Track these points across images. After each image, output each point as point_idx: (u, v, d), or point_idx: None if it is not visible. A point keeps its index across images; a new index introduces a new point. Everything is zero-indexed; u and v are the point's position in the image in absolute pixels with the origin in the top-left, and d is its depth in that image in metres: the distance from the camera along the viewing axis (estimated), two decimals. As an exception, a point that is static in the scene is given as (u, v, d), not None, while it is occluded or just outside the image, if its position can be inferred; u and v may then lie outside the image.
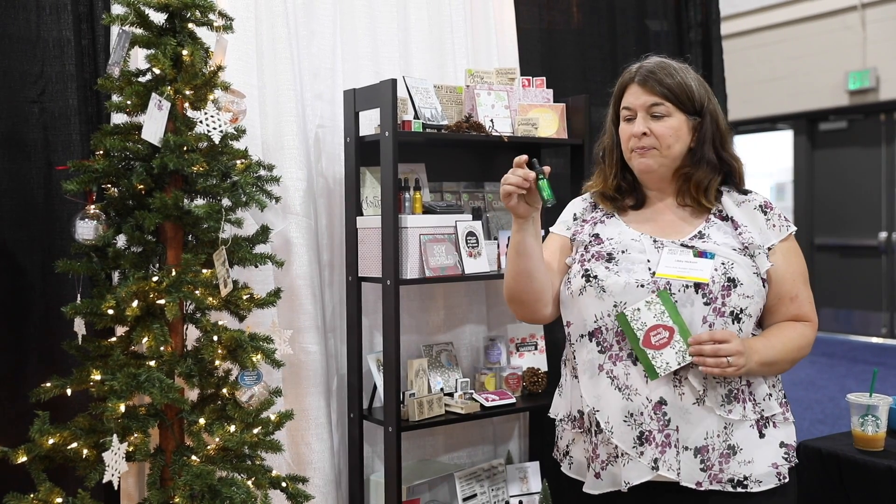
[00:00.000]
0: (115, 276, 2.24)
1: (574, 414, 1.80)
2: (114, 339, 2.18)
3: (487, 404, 2.83)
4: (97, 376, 2.09)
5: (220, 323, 2.24)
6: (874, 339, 8.56)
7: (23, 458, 2.04)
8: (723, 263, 1.68)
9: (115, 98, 2.19)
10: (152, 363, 2.05)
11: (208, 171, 2.16)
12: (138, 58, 2.32)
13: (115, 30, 2.19)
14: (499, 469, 3.05)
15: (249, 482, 2.18)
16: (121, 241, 2.18)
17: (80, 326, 2.16)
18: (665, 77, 1.74)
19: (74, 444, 2.06)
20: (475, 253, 2.78)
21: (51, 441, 2.04)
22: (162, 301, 2.05)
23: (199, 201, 2.19)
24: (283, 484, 2.27)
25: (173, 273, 2.08)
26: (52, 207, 2.48)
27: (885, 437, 2.29)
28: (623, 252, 1.74)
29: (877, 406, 2.27)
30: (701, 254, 1.69)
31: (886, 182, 8.43)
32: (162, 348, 2.06)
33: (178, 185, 2.17)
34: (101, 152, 2.12)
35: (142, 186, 2.11)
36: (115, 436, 1.98)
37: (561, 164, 3.34)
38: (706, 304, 1.66)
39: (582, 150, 3.02)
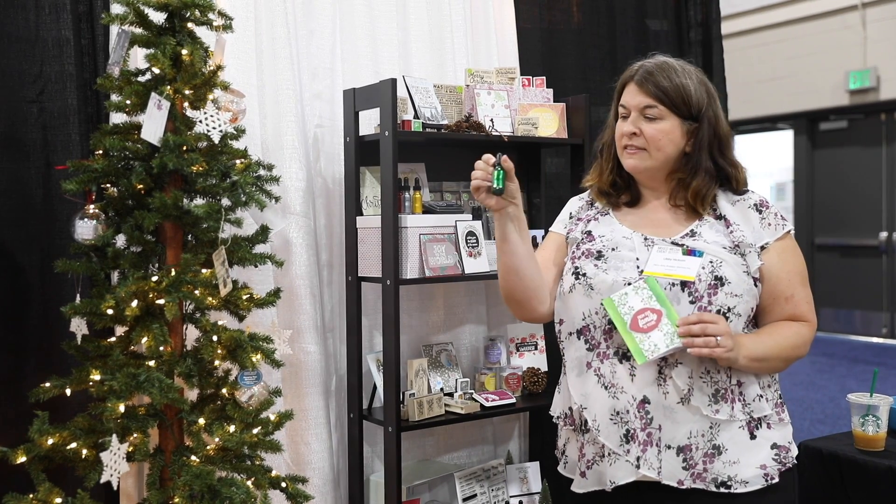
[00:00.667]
0: (115, 275, 2.24)
1: (566, 411, 1.82)
2: (113, 339, 2.18)
3: (487, 404, 2.82)
4: (96, 376, 2.09)
5: (219, 323, 2.24)
6: (874, 339, 8.56)
7: (22, 459, 2.04)
8: (711, 262, 1.67)
9: (115, 97, 2.19)
10: (152, 363, 2.05)
11: (208, 171, 2.15)
12: (138, 57, 2.32)
13: (114, 29, 2.18)
14: (499, 469, 3.05)
15: (249, 482, 2.18)
16: (120, 240, 2.18)
17: (78, 326, 2.16)
18: (662, 79, 1.73)
19: (74, 445, 2.05)
20: (475, 253, 2.77)
21: (50, 441, 2.03)
22: (161, 301, 2.05)
23: (199, 201, 2.18)
24: (283, 484, 2.26)
25: (173, 273, 2.08)
26: (52, 207, 2.48)
27: (886, 437, 2.28)
28: (613, 250, 1.75)
29: (877, 406, 2.27)
30: (690, 252, 1.69)
31: (887, 182, 8.43)
32: (161, 348, 2.05)
33: (177, 184, 2.16)
34: (101, 152, 2.12)
35: (141, 186, 2.11)
36: (114, 436, 1.98)
37: (561, 164, 3.34)
38: (692, 302, 1.65)
39: (582, 150, 3.02)
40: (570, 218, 1.90)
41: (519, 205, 1.75)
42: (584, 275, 1.74)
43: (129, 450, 2.03)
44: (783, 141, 9.37)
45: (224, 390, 2.20)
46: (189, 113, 2.19)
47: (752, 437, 1.67)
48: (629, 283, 1.68)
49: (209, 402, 2.23)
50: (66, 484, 2.17)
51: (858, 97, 8.31)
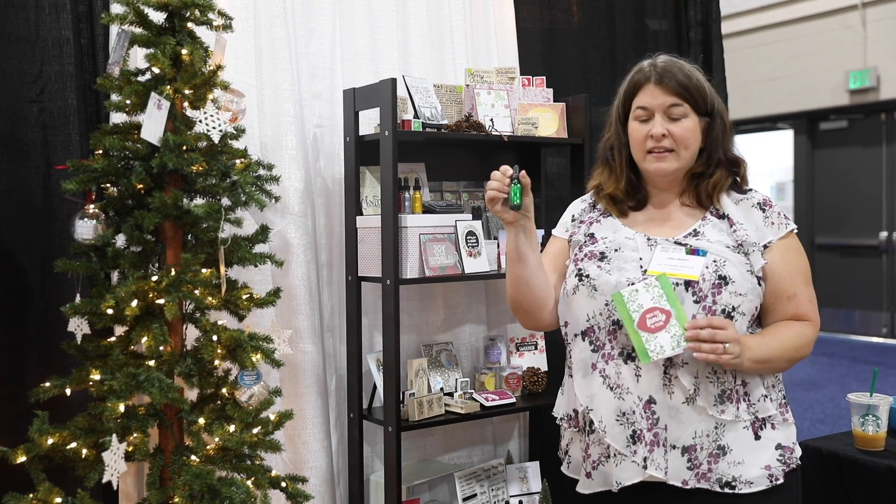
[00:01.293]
0: (115, 275, 2.24)
1: (570, 413, 1.81)
2: (113, 338, 2.18)
3: (487, 404, 2.82)
4: (96, 376, 2.09)
5: (219, 323, 2.24)
6: (875, 339, 8.56)
7: (22, 458, 2.04)
8: (714, 261, 1.67)
9: (115, 97, 2.19)
10: (152, 363, 2.05)
11: (208, 171, 2.15)
12: (137, 57, 2.32)
13: (114, 29, 2.18)
14: (499, 469, 3.05)
15: (249, 482, 2.18)
16: (120, 240, 2.18)
17: (78, 326, 2.15)
18: (682, 77, 1.72)
19: (74, 444, 2.05)
20: (475, 252, 2.77)
21: (50, 441, 2.03)
22: (161, 301, 2.05)
23: (199, 201, 2.18)
24: (283, 484, 2.26)
25: (173, 273, 2.08)
26: (51, 207, 2.48)
27: (886, 436, 2.29)
28: (616, 251, 1.75)
29: (877, 406, 2.27)
30: (693, 251, 1.68)
31: (887, 181, 8.43)
32: (161, 348, 2.05)
33: (177, 184, 2.16)
34: (101, 152, 2.12)
35: (141, 186, 2.11)
36: (114, 436, 1.98)
37: (561, 164, 3.34)
38: (696, 301, 1.65)
39: (582, 150, 3.02)
40: (573, 220, 1.90)
41: (532, 218, 1.75)
42: (587, 276, 1.73)
43: (129, 449, 2.03)
44: (783, 141, 9.38)
45: (224, 390, 2.20)
46: (189, 113, 2.19)
47: (757, 437, 1.67)
48: (632, 284, 1.67)
49: (209, 401, 2.23)
50: (66, 484, 2.17)
51: (858, 97, 8.31)
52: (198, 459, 2.10)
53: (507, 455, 3.17)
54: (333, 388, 2.89)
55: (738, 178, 1.79)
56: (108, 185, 2.16)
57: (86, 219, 2.10)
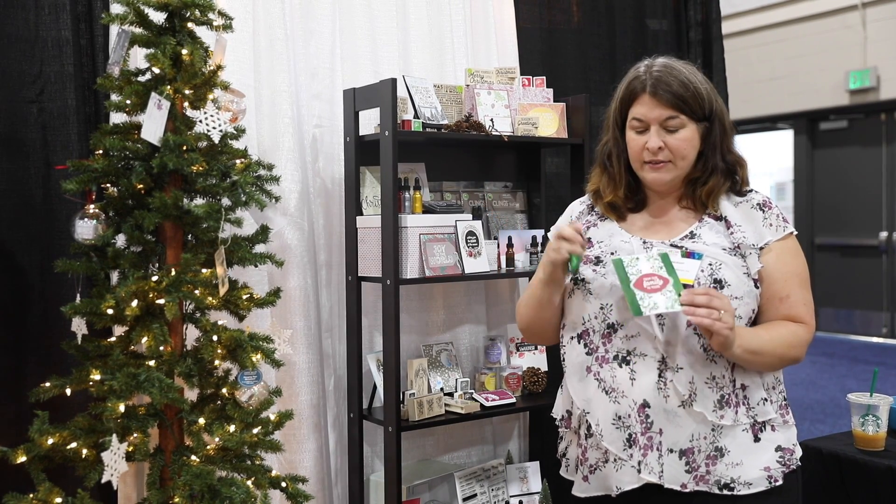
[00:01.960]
0: (115, 275, 2.24)
1: (564, 413, 1.82)
2: (113, 338, 2.18)
3: (487, 404, 2.82)
4: (96, 376, 2.09)
5: (219, 323, 2.24)
6: (875, 339, 8.57)
7: (22, 458, 2.03)
8: (710, 264, 1.66)
9: (115, 97, 2.19)
10: (152, 363, 2.05)
11: (208, 171, 2.15)
12: (138, 57, 2.32)
13: (114, 29, 2.18)
14: (499, 469, 3.05)
15: (249, 482, 2.18)
16: (120, 240, 2.18)
17: (78, 326, 2.15)
18: (677, 87, 1.68)
19: (74, 444, 2.05)
20: (475, 253, 2.77)
21: (50, 441, 2.03)
22: (161, 301, 2.05)
23: (199, 201, 2.18)
24: (283, 484, 2.26)
25: (173, 273, 2.08)
26: (51, 207, 2.48)
27: (886, 436, 2.29)
28: (612, 254, 1.74)
29: (877, 406, 2.27)
30: (689, 254, 1.67)
31: (887, 181, 8.43)
32: (161, 348, 2.05)
33: (177, 184, 2.16)
34: (101, 152, 2.12)
35: (141, 186, 2.11)
36: (114, 436, 1.98)
37: (561, 164, 3.34)
38: None
39: (582, 150, 3.02)
40: (570, 224, 1.89)
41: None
42: (582, 280, 1.73)
43: (129, 449, 2.03)
44: (783, 141, 9.38)
45: (224, 390, 2.20)
46: (189, 113, 2.19)
47: (757, 439, 1.67)
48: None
49: (209, 401, 2.22)
50: (66, 484, 2.17)
51: (858, 97, 8.31)
52: (198, 459, 2.10)
53: (507, 455, 3.17)
54: (332, 388, 2.89)
55: (739, 180, 1.77)
56: (109, 185, 2.15)
57: (86, 219, 2.09)
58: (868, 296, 8.60)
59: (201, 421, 2.13)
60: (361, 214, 2.77)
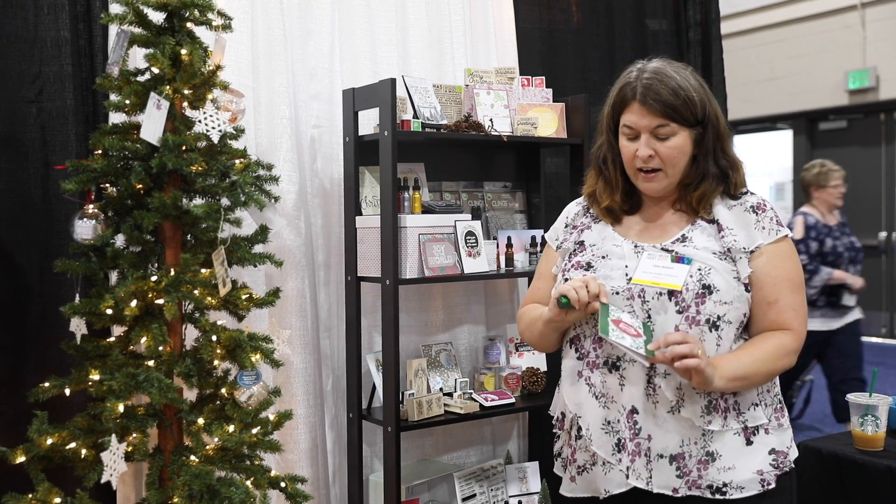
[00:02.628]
0: (114, 275, 2.24)
1: (558, 415, 1.83)
2: (112, 339, 2.18)
3: (487, 404, 2.82)
4: (96, 376, 2.09)
5: (218, 323, 2.24)
6: (874, 339, 8.57)
7: (21, 458, 2.04)
8: (699, 269, 1.64)
9: (114, 97, 2.19)
10: (151, 363, 2.05)
11: (207, 171, 2.15)
12: (137, 57, 2.32)
13: (113, 29, 2.18)
14: (498, 469, 3.05)
15: (248, 482, 2.18)
16: (119, 240, 2.18)
17: (78, 326, 2.15)
18: (667, 95, 1.65)
19: (73, 444, 2.05)
20: (474, 253, 2.77)
21: (49, 441, 2.03)
22: (160, 301, 2.05)
23: (198, 201, 2.18)
24: (282, 484, 2.26)
25: (172, 273, 2.08)
26: (50, 207, 2.48)
27: (885, 436, 2.28)
28: (603, 258, 1.74)
29: (876, 406, 2.27)
30: (678, 259, 1.66)
31: (886, 181, 8.43)
32: (161, 348, 2.05)
33: (176, 184, 2.16)
34: (100, 152, 2.12)
35: (140, 186, 2.11)
36: (113, 436, 1.98)
37: (560, 164, 3.34)
38: (679, 312, 1.63)
39: (581, 150, 3.01)
40: (566, 227, 1.88)
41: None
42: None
43: (129, 450, 2.03)
44: (783, 141, 9.38)
45: (223, 390, 2.20)
46: (188, 113, 2.19)
47: (749, 442, 1.65)
48: (617, 293, 1.66)
49: (208, 401, 2.22)
50: (66, 484, 2.17)
51: (858, 97, 8.31)
52: (197, 459, 2.10)
53: (506, 455, 3.17)
54: (331, 389, 2.89)
55: (734, 183, 1.73)
56: (108, 185, 2.16)
57: (85, 219, 2.10)
58: (867, 296, 8.57)
59: (200, 421, 2.13)
60: (361, 214, 2.76)
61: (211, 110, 2.15)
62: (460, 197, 3.06)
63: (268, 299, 2.29)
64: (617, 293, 1.66)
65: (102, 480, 1.97)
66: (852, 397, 2.33)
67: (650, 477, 1.64)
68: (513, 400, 2.89)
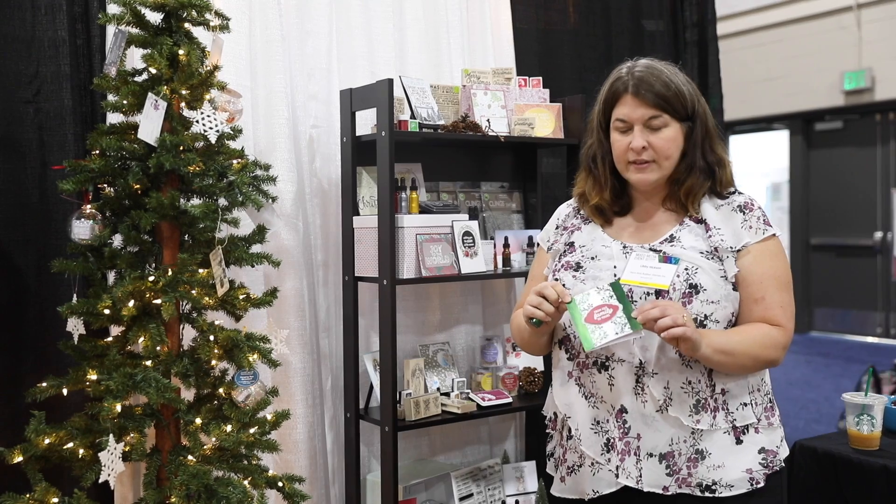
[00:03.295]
0: (111, 275, 2.24)
1: (550, 415, 1.84)
2: (110, 338, 2.18)
3: (484, 404, 2.83)
4: (93, 376, 2.09)
5: (216, 323, 2.24)
6: (869, 339, 8.59)
7: (19, 458, 2.04)
8: (686, 269, 1.65)
9: (111, 98, 2.19)
10: (148, 363, 2.05)
11: (205, 171, 2.15)
12: (134, 57, 2.32)
13: (110, 29, 2.19)
14: (495, 469, 3.05)
15: (246, 482, 2.18)
16: (117, 240, 2.18)
17: (75, 326, 2.16)
18: (660, 86, 1.68)
19: (70, 444, 2.05)
20: (471, 253, 2.78)
21: (47, 441, 2.03)
22: (158, 301, 2.05)
23: (196, 201, 2.19)
24: (280, 484, 2.26)
25: (169, 273, 2.08)
26: (48, 207, 2.48)
27: (880, 436, 2.29)
28: (592, 259, 1.75)
29: (872, 405, 2.28)
30: (666, 259, 1.67)
31: (882, 182, 8.45)
32: (158, 348, 2.06)
33: (174, 184, 2.16)
34: (97, 152, 2.12)
35: (138, 186, 2.11)
36: (111, 436, 1.98)
37: (557, 164, 3.35)
38: None
39: (578, 150, 2.99)
40: (556, 229, 1.89)
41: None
42: (563, 286, 1.72)
43: (126, 449, 2.03)
44: (779, 141, 9.40)
45: (221, 390, 2.20)
46: (186, 113, 2.19)
47: (739, 441, 1.66)
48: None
49: (206, 401, 2.23)
50: (63, 484, 2.17)
51: (853, 98, 8.33)
52: (194, 459, 2.10)
53: (503, 455, 3.18)
54: (329, 388, 2.89)
55: (721, 180, 1.74)
56: (105, 185, 2.16)
57: (82, 219, 2.10)
58: (863, 296, 8.62)
59: (198, 421, 2.13)
60: (358, 214, 2.77)
61: (208, 110, 2.16)
62: (457, 197, 3.07)
63: (265, 299, 2.29)
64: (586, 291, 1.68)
65: (100, 480, 1.96)
66: (848, 396, 2.34)
67: (640, 476, 1.65)
68: (510, 400, 2.89)
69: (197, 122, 2.14)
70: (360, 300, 2.81)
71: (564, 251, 1.81)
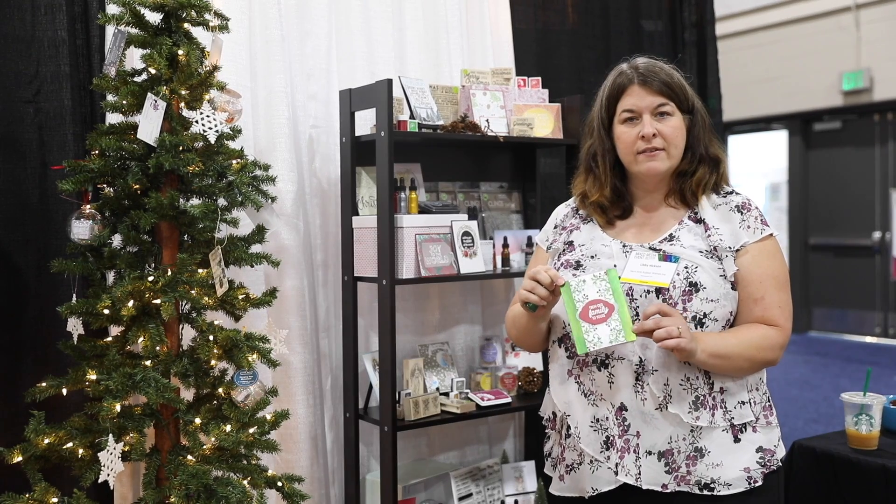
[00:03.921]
0: (111, 275, 2.24)
1: (549, 415, 1.84)
2: (109, 338, 2.18)
3: (483, 404, 2.83)
4: (93, 376, 2.09)
5: (215, 323, 2.24)
6: (868, 339, 8.59)
7: (18, 458, 2.04)
8: (686, 267, 1.66)
9: (111, 98, 2.19)
10: (148, 363, 2.05)
11: (204, 171, 2.16)
12: (134, 58, 2.32)
13: (110, 30, 2.19)
14: (494, 468, 3.06)
15: (245, 482, 2.18)
16: (116, 240, 2.18)
17: (75, 326, 2.16)
18: (665, 76, 1.73)
19: (70, 444, 2.05)
20: (471, 253, 2.78)
21: (46, 441, 2.04)
22: (158, 301, 2.05)
23: (195, 201, 2.19)
24: (279, 483, 2.27)
25: (169, 273, 2.08)
26: (48, 207, 2.48)
27: (879, 435, 2.30)
28: (592, 258, 1.75)
29: (870, 405, 2.28)
30: (666, 257, 1.68)
31: (880, 182, 8.46)
32: (158, 348, 2.06)
33: (173, 184, 2.17)
34: (97, 152, 2.12)
35: (137, 186, 2.11)
36: (110, 435, 1.98)
37: (556, 164, 3.35)
38: None
39: (577, 150, 3.01)
40: (555, 228, 1.90)
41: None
42: (562, 285, 1.73)
43: (126, 449, 2.03)
44: (777, 141, 9.40)
45: (220, 390, 2.20)
46: (185, 113, 2.20)
47: (737, 440, 1.67)
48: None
49: (205, 401, 2.23)
50: (63, 484, 2.17)
51: (852, 98, 8.34)
52: (194, 459, 2.10)
53: (502, 455, 3.18)
54: (329, 388, 2.89)
55: (720, 174, 1.77)
56: (105, 185, 2.16)
57: (82, 219, 2.10)
58: (861, 295, 8.63)
59: (197, 421, 2.13)
60: (357, 215, 2.77)
61: (208, 111, 2.16)
62: (457, 197, 3.07)
63: (265, 299, 2.29)
64: (582, 276, 1.68)
65: (100, 480, 1.97)
66: (846, 396, 2.34)
67: (639, 473, 1.66)
68: (509, 399, 2.89)
69: (196, 122, 2.14)
70: (359, 300, 2.82)
71: (563, 250, 1.82)
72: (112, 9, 2.19)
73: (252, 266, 2.32)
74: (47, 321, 2.43)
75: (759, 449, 1.68)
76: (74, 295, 2.16)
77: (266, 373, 2.55)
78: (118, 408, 2.02)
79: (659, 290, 1.65)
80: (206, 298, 2.13)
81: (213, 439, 2.13)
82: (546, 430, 1.88)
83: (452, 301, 3.12)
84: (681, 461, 1.65)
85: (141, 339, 2.06)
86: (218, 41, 2.24)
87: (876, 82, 8.13)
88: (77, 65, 2.53)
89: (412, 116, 2.71)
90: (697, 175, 1.75)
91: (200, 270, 2.14)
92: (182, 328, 2.23)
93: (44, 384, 2.10)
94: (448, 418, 2.75)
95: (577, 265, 1.75)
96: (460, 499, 2.90)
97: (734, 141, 9.79)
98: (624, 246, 1.75)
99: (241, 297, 2.23)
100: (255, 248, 2.38)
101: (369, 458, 2.94)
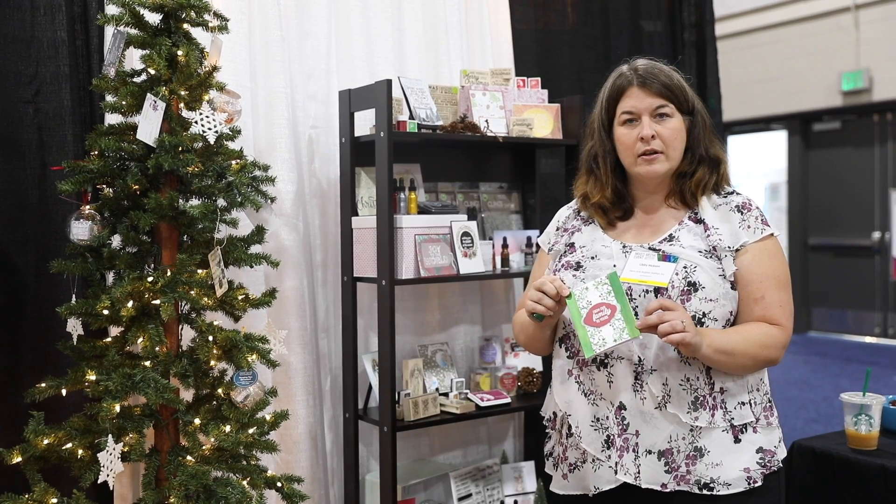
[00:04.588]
0: (110, 276, 2.24)
1: (550, 415, 1.85)
2: (109, 339, 2.18)
3: (482, 404, 2.83)
4: (92, 377, 2.09)
5: (215, 323, 2.24)
6: (867, 339, 8.60)
7: (17, 459, 2.04)
8: (685, 267, 1.66)
9: (110, 98, 2.19)
10: (147, 363, 2.05)
11: (203, 172, 2.16)
12: (133, 58, 2.32)
13: (109, 30, 2.19)
14: (494, 469, 3.06)
15: (245, 482, 2.18)
16: (116, 241, 2.18)
17: (74, 327, 2.16)
18: (664, 78, 1.74)
19: (69, 445, 2.05)
20: (470, 253, 2.78)
21: (45, 441, 2.04)
22: (157, 301, 2.05)
23: (195, 202, 2.19)
24: (279, 484, 2.27)
25: (168, 273, 2.08)
26: (47, 208, 2.48)
27: (879, 436, 2.30)
28: (592, 258, 1.76)
29: (870, 405, 2.28)
30: (665, 257, 1.68)
31: (879, 182, 8.46)
32: (157, 348, 2.06)
33: (173, 185, 2.17)
34: (96, 152, 2.12)
35: (137, 187, 2.11)
36: (110, 436, 1.98)
37: (555, 165, 3.35)
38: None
39: (577, 151, 3.01)
40: (557, 230, 1.91)
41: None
42: (562, 281, 1.74)
43: (125, 450, 2.03)
44: (777, 142, 9.41)
45: (220, 390, 2.20)
46: (185, 114, 2.20)
47: (737, 440, 1.67)
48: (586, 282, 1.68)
49: (205, 402, 2.23)
50: (62, 484, 2.17)
51: (851, 98, 8.34)
52: (193, 460, 2.10)
53: (502, 455, 3.18)
54: (328, 389, 2.89)
55: (721, 174, 1.78)
56: (104, 185, 2.16)
57: (81, 219, 2.10)
58: (861, 296, 8.63)
59: (197, 421, 2.13)
60: (357, 215, 2.77)
61: (207, 111, 2.16)
62: (456, 197, 3.07)
63: (264, 300, 2.29)
64: (584, 283, 1.68)
65: (99, 481, 1.97)
66: (846, 396, 2.34)
67: (638, 472, 1.66)
68: (508, 400, 2.89)
69: (196, 122, 2.14)
70: (358, 300, 2.82)
71: (565, 251, 1.83)
72: (111, 9, 2.19)
73: (251, 266, 2.32)
74: (47, 322, 2.43)
75: (760, 449, 1.68)
76: (74, 295, 2.16)
77: (265, 373, 2.55)
78: (117, 408, 2.02)
79: (658, 290, 1.65)
80: (206, 299, 2.13)
81: (212, 440, 2.13)
82: (547, 431, 1.89)
83: (452, 301, 3.12)
84: (680, 461, 1.65)
85: (140, 339, 2.06)
86: (217, 42, 2.24)
87: (875, 82, 8.13)
88: (76, 65, 2.53)
89: (412, 117, 2.71)
90: (697, 176, 1.76)
91: (200, 271, 2.14)
92: (181, 329, 2.22)
93: (43, 385, 2.10)
94: (447, 419, 2.75)
95: (578, 266, 1.76)
96: (460, 499, 2.90)
97: (734, 141, 9.79)
98: (624, 246, 1.76)
99: (240, 297, 2.23)
100: (255, 249, 2.38)
101: (369, 458, 2.94)
